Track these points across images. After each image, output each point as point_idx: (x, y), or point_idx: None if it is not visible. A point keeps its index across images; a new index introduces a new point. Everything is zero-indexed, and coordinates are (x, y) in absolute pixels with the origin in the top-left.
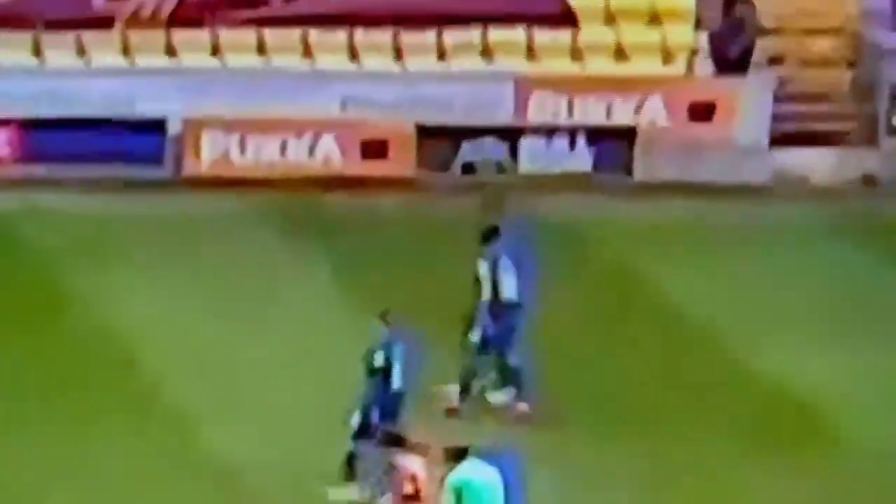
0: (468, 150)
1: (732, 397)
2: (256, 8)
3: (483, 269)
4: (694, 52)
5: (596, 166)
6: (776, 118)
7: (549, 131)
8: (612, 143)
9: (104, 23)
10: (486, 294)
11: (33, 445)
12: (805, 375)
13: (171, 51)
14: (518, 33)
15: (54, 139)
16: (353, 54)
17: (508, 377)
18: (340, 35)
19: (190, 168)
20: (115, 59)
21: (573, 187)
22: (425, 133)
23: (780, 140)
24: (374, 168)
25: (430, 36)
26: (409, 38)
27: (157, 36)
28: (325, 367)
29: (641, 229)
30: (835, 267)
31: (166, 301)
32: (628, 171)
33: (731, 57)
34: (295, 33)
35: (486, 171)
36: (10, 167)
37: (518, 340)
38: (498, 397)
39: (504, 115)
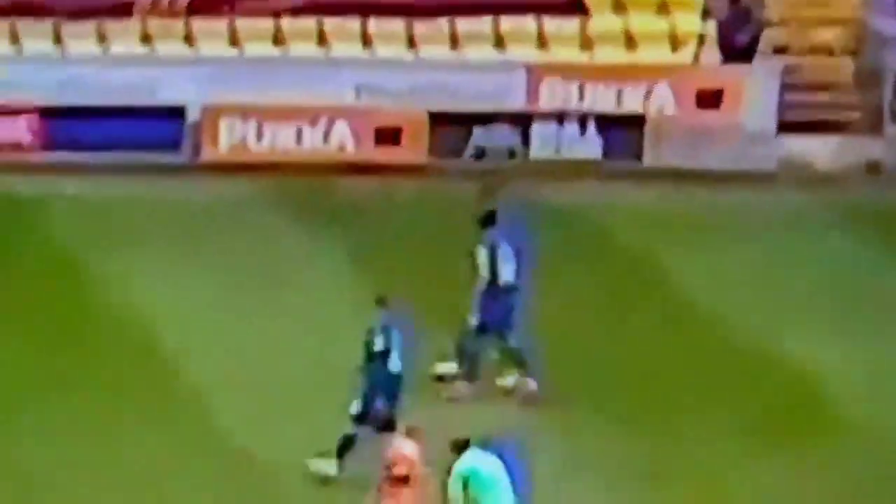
0: (480, 137)
1: (737, 381)
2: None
3: (481, 253)
4: (701, 41)
5: (606, 152)
6: (782, 106)
7: (560, 118)
8: (622, 129)
9: (124, 11)
10: (483, 277)
11: (56, 423)
12: (810, 359)
13: (189, 39)
14: (529, 22)
15: (75, 126)
16: (367, 43)
17: (511, 359)
18: (354, 24)
19: (208, 154)
20: (134, 48)
21: (583, 173)
22: (438, 120)
23: (786, 127)
24: (388, 154)
25: (442, 25)
26: (421, 26)
27: (176, 25)
28: (335, 348)
29: (650, 214)
30: (840, 253)
31: (184, 283)
32: (637, 157)
33: (737, 45)
34: (310, 22)
35: (498, 157)
36: (32, 154)
37: (517, 322)
38: (507, 381)
39: (515, 103)
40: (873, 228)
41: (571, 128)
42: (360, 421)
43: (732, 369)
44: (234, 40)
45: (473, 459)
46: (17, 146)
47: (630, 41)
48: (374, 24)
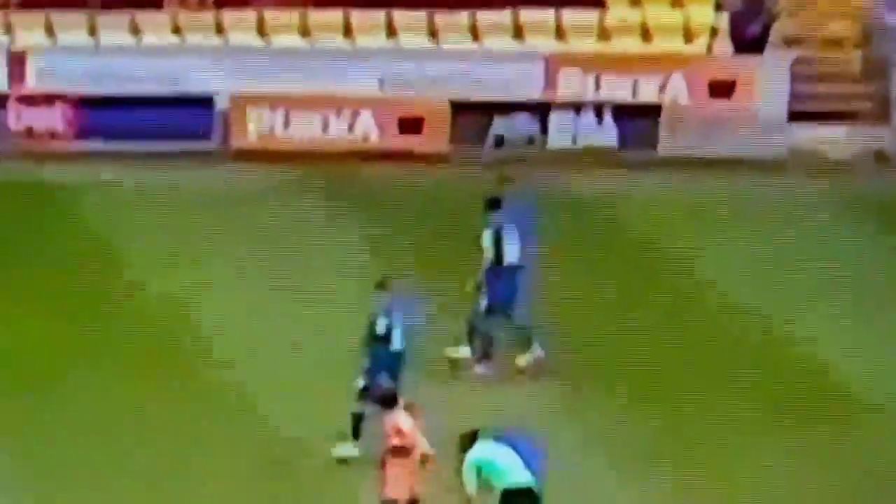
0: (499, 126)
1: (748, 363)
2: None
3: (486, 236)
4: (714, 33)
5: (621, 141)
6: (793, 96)
7: (577, 108)
8: (637, 119)
9: (155, 3)
10: (488, 259)
11: (89, 395)
12: (819, 342)
13: (219, 31)
14: (548, 14)
15: (109, 115)
16: (391, 34)
17: (518, 337)
18: (379, 16)
19: (236, 142)
20: (165, 39)
21: (600, 161)
22: (459, 109)
23: (797, 117)
24: (410, 142)
25: (463, 17)
26: (443, 18)
27: (206, 16)
28: (357, 326)
29: (665, 200)
30: (848, 238)
31: (213, 265)
32: (652, 145)
33: (749, 37)
34: (336, 14)
35: (517, 146)
36: (67, 142)
37: (523, 302)
38: (521, 361)
39: (534, 93)
40: (881, 214)
41: (588, 117)
42: (364, 397)
43: (743, 352)
44: (261, 32)
45: (485, 449)
46: (52, 134)
47: (645, 33)
48: (397, 16)
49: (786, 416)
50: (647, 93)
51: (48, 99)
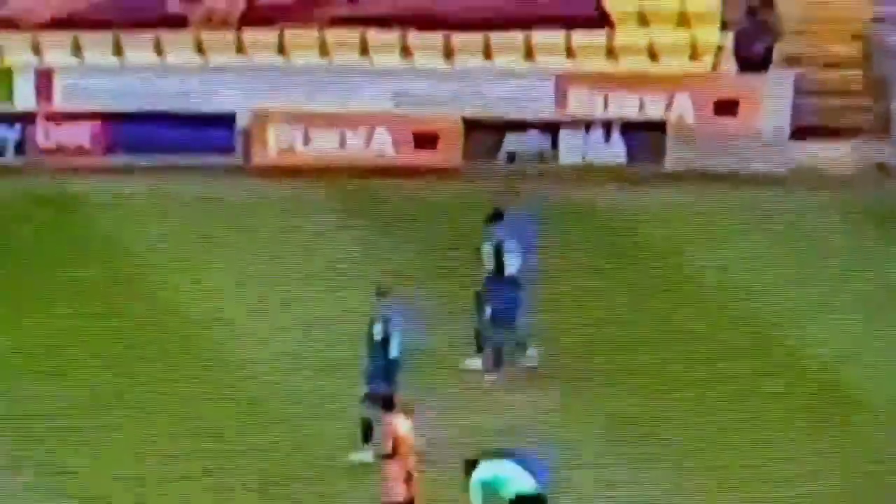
0: (511, 142)
1: (757, 362)
2: (320, 8)
3: (486, 248)
4: (719, 52)
5: (629, 157)
6: (796, 113)
7: (587, 125)
8: (645, 135)
9: (179, 24)
10: (488, 271)
11: (121, 394)
12: (824, 343)
13: (240, 50)
14: (558, 35)
15: (134, 131)
16: (407, 54)
17: (518, 345)
18: (394, 36)
19: (258, 157)
20: (189, 58)
21: (608, 176)
22: (472, 126)
23: (800, 133)
24: (425, 158)
25: (477, 37)
26: (457, 39)
27: (228, 36)
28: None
29: (672, 214)
30: (850, 248)
31: (235, 273)
32: (659, 161)
33: (753, 56)
34: (353, 34)
35: (528, 161)
36: (95, 157)
37: (524, 311)
38: (526, 361)
39: (545, 110)
40: (882, 226)
41: (597, 134)
42: (364, 401)
43: (747, 358)
44: (282, 51)
45: (488, 467)
46: (80, 149)
47: (652, 52)
48: (412, 36)
49: (788, 417)
50: (654, 110)
51: (75, 116)
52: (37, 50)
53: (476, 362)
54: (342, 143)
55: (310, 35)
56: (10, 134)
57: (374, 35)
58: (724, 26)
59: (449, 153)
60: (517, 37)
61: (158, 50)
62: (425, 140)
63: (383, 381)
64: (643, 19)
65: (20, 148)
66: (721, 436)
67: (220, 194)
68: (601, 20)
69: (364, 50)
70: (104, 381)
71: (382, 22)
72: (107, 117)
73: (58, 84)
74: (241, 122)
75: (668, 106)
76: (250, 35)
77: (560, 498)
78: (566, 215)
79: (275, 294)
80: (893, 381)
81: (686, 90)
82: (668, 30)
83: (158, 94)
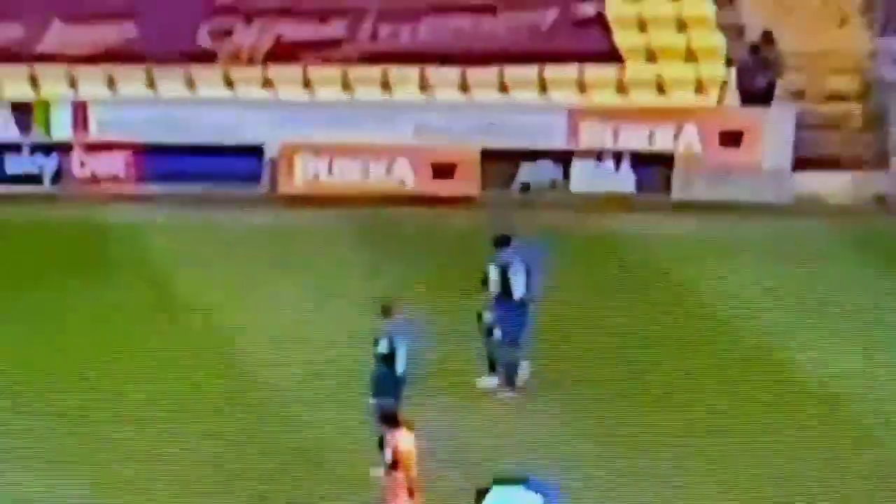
0: (526, 172)
1: (758, 384)
2: (342, 47)
3: (492, 271)
4: (724, 87)
5: (638, 187)
6: (797, 145)
7: (598, 155)
8: (653, 166)
9: (209, 59)
10: (493, 293)
11: (156, 413)
12: (824, 367)
13: (267, 84)
14: (570, 69)
15: (166, 161)
16: (425, 88)
17: (511, 363)
18: (414, 71)
19: (284, 187)
20: (219, 92)
21: (618, 205)
22: (488, 156)
23: (801, 164)
24: (443, 187)
25: (492, 72)
26: (474, 73)
27: (256, 71)
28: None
29: (678, 242)
30: (850, 276)
31: (263, 297)
32: (667, 191)
33: (756, 90)
34: (375, 70)
35: (541, 190)
36: (129, 186)
37: (530, 333)
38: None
39: (557, 141)
40: (880, 254)
41: (607, 164)
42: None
43: (748, 383)
44: (307, 85)
45: (497, 494)
46: (115, 179)
47: (660, 87)
48: (431, 71)
49: (788, 439)
50: (662, 142)
51: (110, 146)
52: (73, 83)
53: (490, 381)
54: (365, 173)
55: (333, 71)
56: (48, 163)
57: (395, 71)
58: (729, 62)
59: (466, 182)
60: (531, 72)
61: (189, 84)
62: (444, 170)
63: (389, 397)
64: (652, 55)
65: (57, 176)
66: (731, 455)
67: (248, 222)
68: (612, 56)
69: (385, 85)
70: (137, 399)
71: (402, 58)
72: (140, 148)
73: (93, 116)
74: (269, 153)
75: (676, 138)
76: (276, 71)
77: None
78: (577, 241)
79: (301, 311)
80: (886, 399)
81: (692, 123)
82: (676, 65)
83: (189, 125)
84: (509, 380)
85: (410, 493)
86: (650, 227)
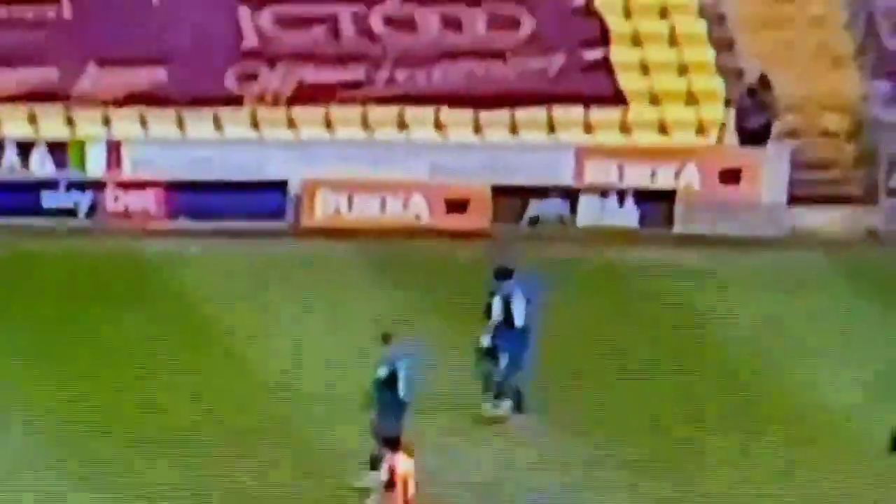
0: (535, 207)
1: (755, 417)
2: (361, 90)
3: (496, 301)
4: (724, 127)
5: (641, 222)
6: (793, 182)
7: (603, 192)
8: (656, 202)
9: (236, 101)
10: (496, 322)
11: (184, 434)
12: (820, 391)
13: (291, 125)
14: (577, 111)
15: (195, 198)
16: (440, 128)
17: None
18: (429, 112)
19: (307, 221)
20: (245, 132)
21: (622, 239)
22: (499, 193)
23: (797, 200)
24: (456, 221)
25: (504, 113)
26: (486, 115)
27: (280, 113)
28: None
29: (680, 273)
30: (843, 306)
31: (286, 324)
32: (669, 225)
33: (753, 131)
34: (392, 111)
35: (550, 225)
36: (159, 221)
37: (531, 361)
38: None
39: (565, 179)
40: (872, 286)
41: (612, 200)
42: (375, 438)
43: (745, 412)
44: (328, 126)
45: None
46: (146, 214)
47: (663, 128)
48: (446, 113)
49: (786, 469)
50: (665, 179)
51: (142, 184)
52: (107, 123)
53: (498, 408)
54: (382, 208)
55: (353, 112)
56: (83, 199)
57: (411, 112)
58: (727, 104)
59: (478, 217)
60: (540, 113)
61: (217, 125)
62: (457, 205)
63: (392, 421)
64: (654, 98)
65: (91, 211)
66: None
67: (273, 254)
68: (616, 99)
69: (402, 125)
70: (169, 420)
71: (418, 100)
72: (170, 185)
73: (126, 154)
74: (293, 189)
75: (677, 175)
76: (299, 112)
77: None
78: (583, 272)
79: (323, 338)
80: (876, 419)
81: (693, 161)
82: (677, 107)
83: (217, 164)
84: (517, 406)
85: None
86: (653, 260)
